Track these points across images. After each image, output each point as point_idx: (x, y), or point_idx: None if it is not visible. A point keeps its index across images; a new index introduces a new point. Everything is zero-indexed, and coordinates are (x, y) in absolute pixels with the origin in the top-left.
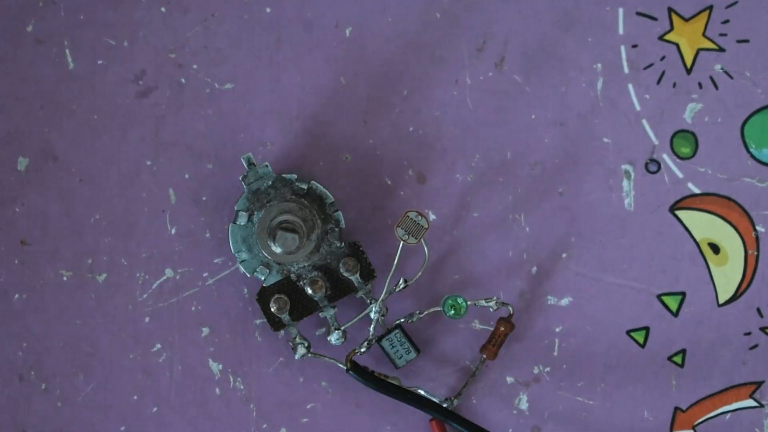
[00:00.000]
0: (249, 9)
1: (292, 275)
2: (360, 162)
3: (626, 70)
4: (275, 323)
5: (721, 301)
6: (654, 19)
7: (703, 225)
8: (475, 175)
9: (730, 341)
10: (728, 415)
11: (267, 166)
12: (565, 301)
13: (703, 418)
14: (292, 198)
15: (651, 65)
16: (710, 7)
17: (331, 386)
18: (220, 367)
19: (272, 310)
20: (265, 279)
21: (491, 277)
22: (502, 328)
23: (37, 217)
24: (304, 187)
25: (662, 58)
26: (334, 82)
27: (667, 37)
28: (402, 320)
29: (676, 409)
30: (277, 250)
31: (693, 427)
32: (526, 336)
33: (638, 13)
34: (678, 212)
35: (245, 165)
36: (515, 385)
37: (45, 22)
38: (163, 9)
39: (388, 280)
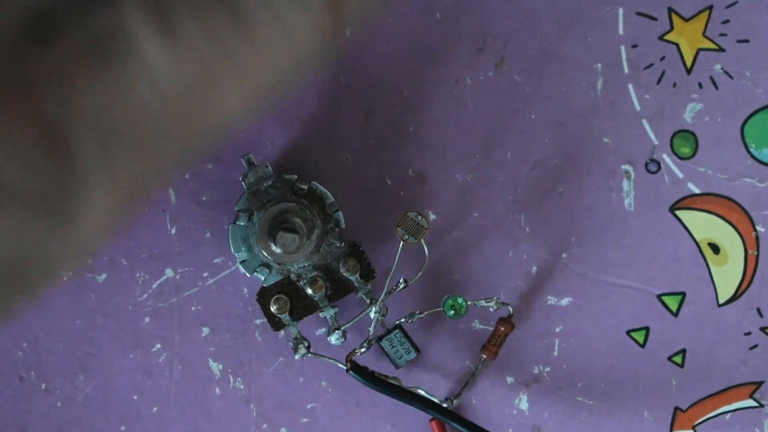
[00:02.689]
0: None
1: (292, 275)
2: (360, 162)
3: (626, 70)
4: (275, 323)
5: (721, 301)
6: (654, 19)
7: (703, 225)
8: (475, 175)
9: (730, 341)
10: (728, 415)
11: (267, 166)
12: (565, 301)
13: (703, 418)
14: (292, 198)
15: (651, 65)
16: (710, 7)
17: (331, 386)
18: (220, 367)
19: (272, 310)
20: (265, 279)
21: (491, 277)
22: (502, 328)
23: None
24: (305, 187)
25: (662, 58)
26: (334, 82)
27: (667, 37)
28: (402, 320)
29: (676, 409)
30: (277, 250)
31: (693, 427)
32: (526, 336)
33: (638, 13)
34: (678, 212)
35: (245, 165)
36: (515, 385)
37: None
38: None
39: (388, 280)
